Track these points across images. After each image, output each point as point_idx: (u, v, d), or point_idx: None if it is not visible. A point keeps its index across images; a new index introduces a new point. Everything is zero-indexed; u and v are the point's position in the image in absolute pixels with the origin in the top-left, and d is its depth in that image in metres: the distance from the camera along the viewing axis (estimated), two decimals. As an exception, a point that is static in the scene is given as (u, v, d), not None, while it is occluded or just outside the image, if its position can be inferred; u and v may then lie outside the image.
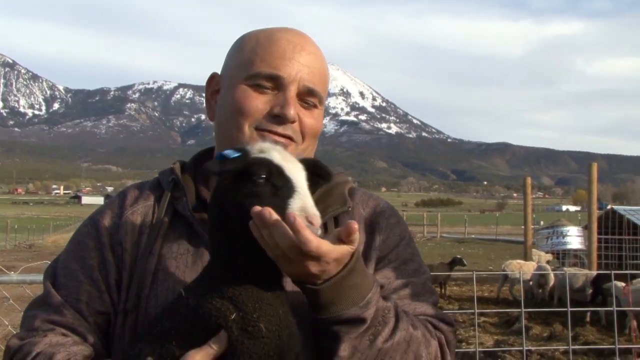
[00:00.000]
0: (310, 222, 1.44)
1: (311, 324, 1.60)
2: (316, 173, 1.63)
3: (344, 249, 1.48)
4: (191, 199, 1.88)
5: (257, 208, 1.41)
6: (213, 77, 1.98)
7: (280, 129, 1.80)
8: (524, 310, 4.94)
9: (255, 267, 1.50)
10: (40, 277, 4.39)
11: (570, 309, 5.12)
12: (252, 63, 1.83)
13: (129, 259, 1.82)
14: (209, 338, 1.46)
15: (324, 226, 1.86)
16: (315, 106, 1.89)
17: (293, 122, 1.82)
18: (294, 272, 1.49)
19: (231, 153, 1.48)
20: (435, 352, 1.73)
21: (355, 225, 1.46)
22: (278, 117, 1.80)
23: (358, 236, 1.49)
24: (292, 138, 1.82)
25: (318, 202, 1.86)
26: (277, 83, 1.81)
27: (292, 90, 1.82)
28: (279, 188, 1.46)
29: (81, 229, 1.93)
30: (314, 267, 1.46)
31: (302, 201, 1.46)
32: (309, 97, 1.86)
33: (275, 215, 1.40)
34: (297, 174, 1.50)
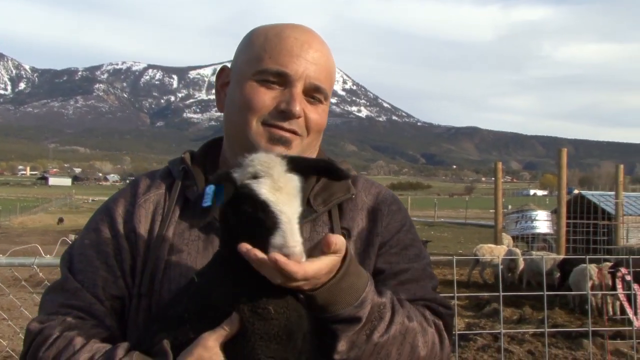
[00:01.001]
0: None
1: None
2: (329, 174, 1.69)
3: (331, 260, 1.54)
4: (201, 187, 1.92)
5: (245, 247, 1.46)
6: (223, 70, 2.06)
7: (286, 124, 1.88)
8: (502, 294, 5.05)
9: None
10: (27, 260, 4.42)
11: (546, 293, 5.26)
12: (261, 59, 1.89)
13: (142, 246, 1.89)
14: (221, 321, 1.54)
15: (329, 213, 1.95)
16: (320, 102, 1.96)
17: (298, 117, 1.89)
18: (290, 288, 1.56)
19: (209, 193, 1.49)
20: (433, 339, 1.82)
21: (332, 238, 1.51)
22: (284, 113, 1.87)
23: (343, 241, 1.54)
24: (297, 132, 1.90)
25: (322, 190, 1.95)
26: (284, 80, 1.88)
27: (299, 87, 1.88)
28: (262, 222, 1.49)
29: (96, 217, 1.99)
30: (306, 286, 1.54)
31: (284, 238, 1.46)
32: (315, 93, 1.93)
33: (260, 255, 1.45)
34: (285, 207, 1.49)
